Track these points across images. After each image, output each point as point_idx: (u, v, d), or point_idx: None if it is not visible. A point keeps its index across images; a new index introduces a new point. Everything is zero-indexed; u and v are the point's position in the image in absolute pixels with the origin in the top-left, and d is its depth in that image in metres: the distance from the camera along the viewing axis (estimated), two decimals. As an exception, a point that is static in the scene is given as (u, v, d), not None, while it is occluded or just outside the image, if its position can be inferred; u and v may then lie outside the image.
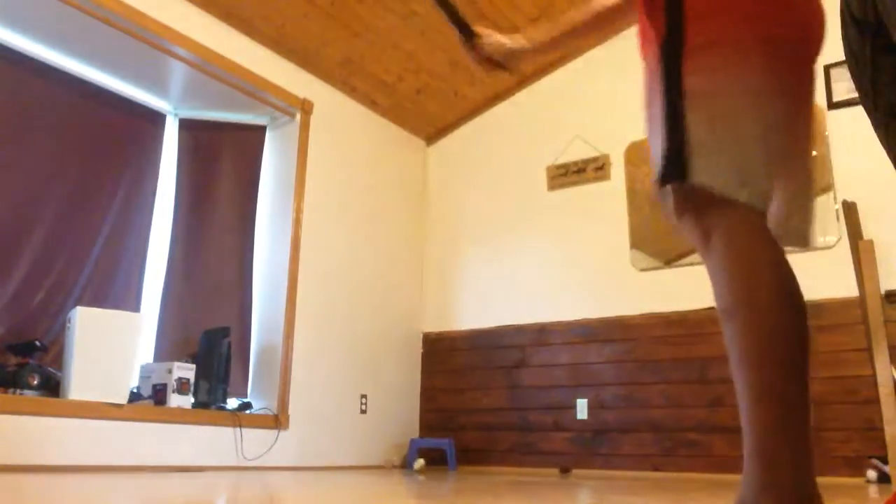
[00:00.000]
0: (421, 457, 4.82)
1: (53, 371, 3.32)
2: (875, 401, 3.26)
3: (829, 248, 3.97)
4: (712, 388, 4.14)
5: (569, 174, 4.96)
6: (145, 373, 3.73)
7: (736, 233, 1.00)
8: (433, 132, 5.61)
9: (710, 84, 1.03)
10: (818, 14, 1.14)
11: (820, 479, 3.23)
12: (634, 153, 4.72)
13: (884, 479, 3.43)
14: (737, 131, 1.02)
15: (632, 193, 4.68)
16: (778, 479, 0.90)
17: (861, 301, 3.17)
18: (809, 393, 0.94)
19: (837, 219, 3.94)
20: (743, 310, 0.96)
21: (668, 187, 1.05)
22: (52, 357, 3.47)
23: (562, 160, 5.01)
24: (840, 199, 3.88)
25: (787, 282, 0.96)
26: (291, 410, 4.17)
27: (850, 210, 3.45)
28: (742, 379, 0.95)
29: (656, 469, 4.21)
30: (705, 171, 1.01)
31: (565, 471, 4.39)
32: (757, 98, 1.03)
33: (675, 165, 1.02)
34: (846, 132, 4.05)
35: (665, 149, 1.03)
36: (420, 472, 4.27)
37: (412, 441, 4.87)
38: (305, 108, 4.57)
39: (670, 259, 4.43)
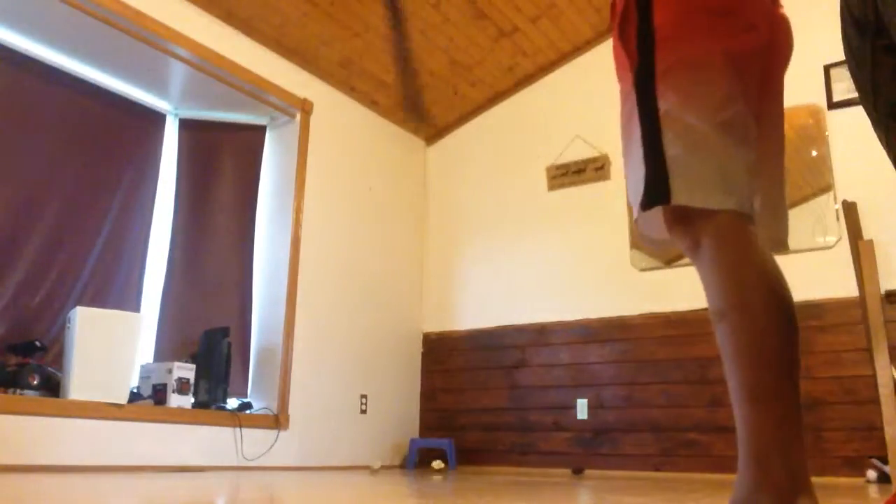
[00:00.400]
0: (421, 457, 4.83)
1: (53, 371, 3.32)
2: (875, 401, 3.26)
3: (829, 248, 3.97)
4: (712, 388, 4.14)
5: (569, 174, 4.96)
6: (145, 373, 3.73)
7: (724, 238, 1.03)
8: (433, 132, 5.61)
9: (681, 103, 1.05)
10: (783, 24, 1.18)
11: (820, 479, 3.22)
12: (634, 153, 4.71)
13: (884, 479, 3.43)
14: (713, 145, 1.05)
15: (632, 193, 4.68)
16: (771, 477, 0.90)
17: (861, 301, 3.17)
18: (800, 392, 0.95)
19: (837, 219, 3.94)
20: (733, 312, 0.99)
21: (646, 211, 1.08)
22: (52, 357, 3.47)
23: (562, 160, 5.01)
24: (840, 199, 3.88)
25: (775, 284, 0.99)
26: (291, 410, 4.17)
27: (850, 210, 3.45)
28: (734, 379, 0.97)
29: (656, 469, 4.21)
30: (687, 190, 1.03)
31: (578, 471, 4.38)
32: (727, 112, 1.06)
33: (658, 188, 1.04)
34: (846, 132, 4.05)
35: (645, 174, 1.06)
36: (439, 471, 4.27)
37: (412, 441, 4.87)
38: (305, 108, 4.57)
39: (670, 259, 4.43)
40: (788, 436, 0.91)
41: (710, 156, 1.04)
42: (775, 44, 1.15)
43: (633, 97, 1.09)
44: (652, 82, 1.07)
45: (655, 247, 1.19)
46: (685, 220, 1.06)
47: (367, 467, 4.27)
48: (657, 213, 1.09)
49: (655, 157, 1.05)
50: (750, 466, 0.92)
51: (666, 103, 1.06)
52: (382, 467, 4.68)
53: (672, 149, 1.04)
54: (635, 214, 1.11)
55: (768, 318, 0.96)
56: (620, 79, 1.16)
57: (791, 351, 0.95)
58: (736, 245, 1.03)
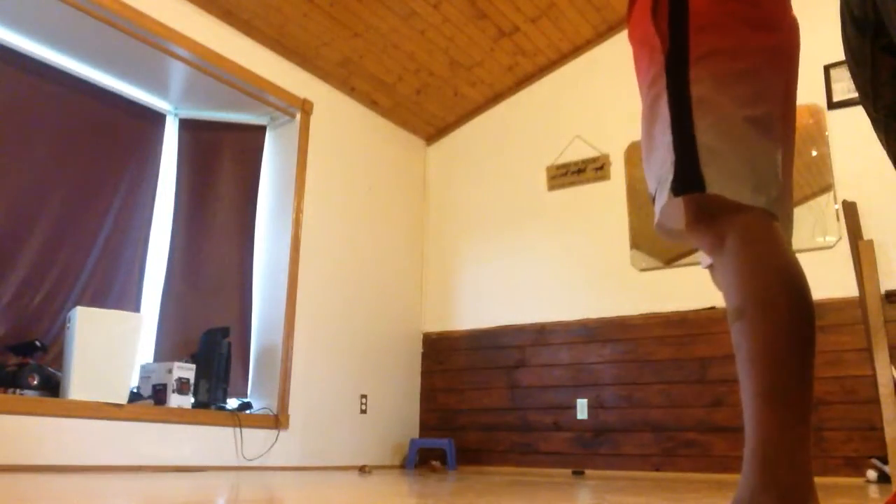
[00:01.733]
0: (421, 457, 4.83)
1: (53, 371, 3.32)
2: (875, 401, 3.26)
3: (829, 248, 3.97)
4: (712, 388, 4.14)
5: (569, 174, 4.96)
6: (145, 373, 3.73)
7: (750, 235, 1.00)
8: (433, 132, 5.61)
9: (716, 93, 1.02)
10: (797, 27, 1.16)
11: (820, 479, 3.22)
12: (634, 153, 4.72)
13: (884, 479, 3.43)
14: (747, 139, 1.02)
15: (632, 193, 4.68)
16: (776, 479, 0.90)
17: (861, 301, 3.17)
18: (813, 395, 0.94)
19: (837, 219, 3.94)
20: (755, 310, 0.96)
21: (673, 199, 1.03)
22: (52, 357, 3.47)
23: (562, 160, 5.01)
24: (840, 199, 3.89)
25: (799, 285, 0.97)
26: (291, 410, 4.17)
27: (850, 210, 3.45)
28: (749, 378, 0.95)
29: (656, 469, 4.21)
30: (720, 181, 1.00)
31: (579, 472, 4.38)
32: (761, 107, 1.04)
33: (690, 175, 1.01)
34: (846, 132, 4.05)
35: (675, 160, 1.02)
36: (436, 471, 4.27)
37: (412, 441, 4.87)
38: (305, 108, 4.57)
39: (670, 259, 4.43)
40: (797, 438, 0.90)
41: (745, 149, 1.01)
42: (795, 45, 1.13)
43: (662, 80, 1.06)
44: (686, 67, 1.04)
45: (672, 238, 1.16)
46: (710, 216, 1.03)
47: (365, 467, 4.27)
48: (678, 204, 1.06)
49: (687, 143, 1.01)
50: (756, 466, 0.91)
51: (700, 90, 1.02)
52: (382, 467, 4.68)
53: (705, 137, 1.01)
54: (661, 200, 1.04)
55: (791, 318, 0.95)
56: (643, 59, 1.12)
57: (808, 353, 0.94)
58: (764, 243, 1.00)
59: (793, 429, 0.91)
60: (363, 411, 4.69)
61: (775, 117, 1.06)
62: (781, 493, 0.88)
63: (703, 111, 1.02)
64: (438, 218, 5.50)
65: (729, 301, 1.01)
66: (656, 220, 1.08)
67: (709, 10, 1.05)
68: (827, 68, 4.14)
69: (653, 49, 1.09)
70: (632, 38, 1.18)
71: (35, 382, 3.18)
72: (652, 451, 4.25)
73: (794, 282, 0.97)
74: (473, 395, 4.96)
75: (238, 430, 3.85)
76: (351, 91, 4.93)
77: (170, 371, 3.63)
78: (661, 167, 1.05)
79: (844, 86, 4.06)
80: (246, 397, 4.19)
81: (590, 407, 4.50)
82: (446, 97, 5.23)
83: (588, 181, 4.88)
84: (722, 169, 1.00)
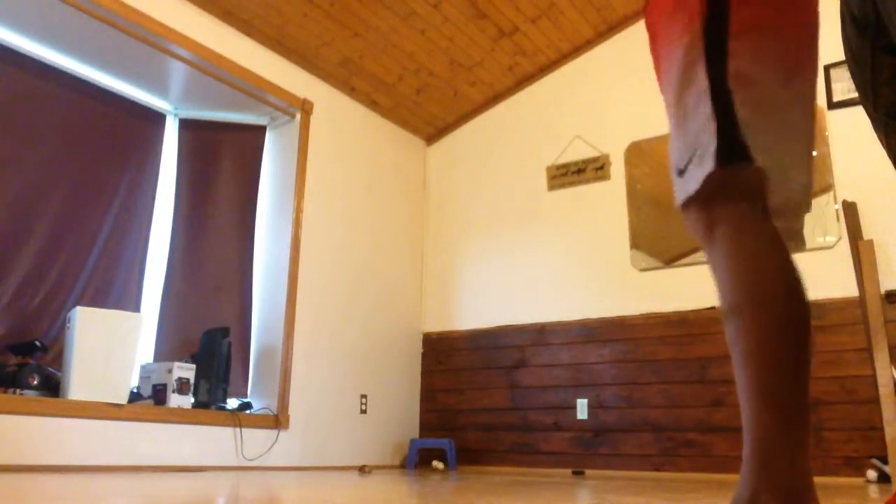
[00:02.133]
0: (421, 457, 4.83)
1: (53, 371, 3.32)
2: (875, 401, 3.27)
3: (829, 248, 3.97)
4: (712, 388, 4.14)
5: (569, 174, 4.96)
6: (145, 373, 3.73)
7: (745, 227, 0.98)
8: (433, 132, 5.61)
9: (754, 68, 1.00)
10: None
11: (820, 479, 3.22)
12: (634, 153, 4.72)
13: (884, 479, 3.43)
14: (784, 119, 1.00)
15: (632, 193, 4.68)
16: (777, 479, 0.90)
17: (861, 301, 3.18)
18: (809, 393, 0.94)
19: (837, 219, 3.94)
20: (750, 307, 0.95)
21: (694, 175, 1.00)
22: (52, 357, 3.47)
23: (562, 160, 5.01)
24: (840, 199, 3.88)
25: (795, 281, 0.95)
26: (291, 410, 4.17)
27: (850, 210, 3.46)
28: (745, 377, 0.94)
29: (656, 469, 4.21)
30: (763, 152, 0.97)
31: (579, 473, 4.38)
32: (797, 85, 1.02)
33: (734, 145, 0.97)
34: (846, 132, 4.05)
35: (717, 127, 0.98)
36: (438, 471, 4.27)
37: (412, 441, 4.87)
38: (305, 108, 4.57)
39: (670, 259, 4.43)
40: (796, 437, 0.90)
41: (783, 131, 1.00)
42: (819, 25, 1.11)
43: (700, 47, 1.02)
44: (725, 37, 1.01)
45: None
46: (708, 199, 1.00)
47: (365, 467, 4.27)
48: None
49: (727, 114, 0.98)
50: (756, 467, 0.91)
51: (739, 63, 1.00)
52: (382, 467, 4.68)
53: (744, 109, 0.98)
54: (703, 170, 0.98)
55: (787, 316, 0.93)
56: (675, 26, 1.07)
57: (805, 351, 0.93)
58: (759, 236, 0.98)
59: (791, 428, 0.90)
60: (363, 411, 4.69)
61: (809, 98, 1.04)
62: (782, 493, 0.88)
63: (741, 84, 0.99)
64: (438, 218, 5.50)
65: (722, 295, 0.99)
66: (689, 194, 1.01)
67: None
68: (827, 68, 4.14)
69: (691, 15, 1.05)
70: (656, 8, 1.14)
71: (35, 382, 3.18)
72: (652, 451, 4.25)
73: (789, 279, 0.95)
74: (473, 395, 4.96)
75: (238, 430, 3.85)
76: (351, 91, 4.93)
77: (170, 371, 3.63)
78: (696, 137, 1.00)
79: (844, 86, 4.06)
80: (246, 397, 4.19)
81: (590, 407, 4.50)
82: (446, 97, 5.23)
83: (588, 181, 4.88)
84: (761, 143, 0.97)
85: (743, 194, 0.99)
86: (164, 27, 3.76)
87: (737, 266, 0.97)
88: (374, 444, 4.73)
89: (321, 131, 4.68)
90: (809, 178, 1.03)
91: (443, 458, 4.79)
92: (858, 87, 1.13)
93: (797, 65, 1.04)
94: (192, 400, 3.73)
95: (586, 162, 4.90)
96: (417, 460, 4.83)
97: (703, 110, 1.00)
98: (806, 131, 1.04)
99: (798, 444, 0.90)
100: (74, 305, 3.45)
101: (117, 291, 3.86)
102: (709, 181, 0.98)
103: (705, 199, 1.00)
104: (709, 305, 4.22)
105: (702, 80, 1.01)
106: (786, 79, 1.02)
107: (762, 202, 0.99)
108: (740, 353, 0.94)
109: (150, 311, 4.07)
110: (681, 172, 1.03)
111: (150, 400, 3.62)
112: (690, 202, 1.01)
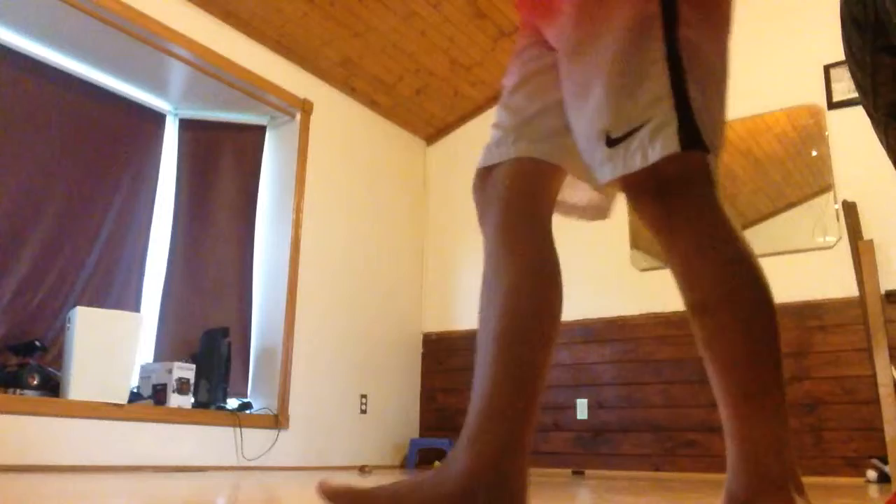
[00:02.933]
0: (421, 457, 4.83)
1: (53, 371, 3.32)
2: (875, 401, 3.27)
3: (829, 248, 3.97)
4: (712, 389, 4.13)
5: (569, 174, 4.95)
6: (145, 373, 3.73)
7: (704, 218, 0.93)
8: (433, 132, 5.61)
9: (700, 37, 0.94)
10: None
11: (820, 479, 3.21)
12: (634, 153, 4.71)
13: (884, 479, 3.43)
14: (717, 88, 0.95)
15: (632, 193, 4.68)
16: (768, 475, 0.88)
17: (861, 301, 3.18)
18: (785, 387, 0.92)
19: (837, 219, 3.94)
20: (719, 305, 0.91)
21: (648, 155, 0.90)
22: (52, 357, 3.47)
23: (562, 160, 5.00)
24: (840, 199, 3.89)
25: (759, 275, 0.91)
26: (291, 410, 4.18)
27: (850, 210, 3.46)
28: (725, 377, 0.91)
29: (656, 469, 4.21)
30: (710, 136, 0.90)
31: (579, 473, 4.38)
32: (722, 52, 0.98)
33: (691, 129, 0.89)
34: (846, 132, 4.05)
35: (675, 103, 0.90)
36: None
37: (412, 441, 4.87)
38: (305, 108, 4.57)
39: (670, 259, 4.43)
40: (780, 431, 0.89)
41: (715, 102, 0.94)
42: None
43: (657, 15, 0.93)
44: (675, 2, 0.94)
45: (575, 214, 1.13)
46: (663, 183, 0.92)
47: (365, 467, 4.27)
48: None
49: (681, 93, 0.90)
50: (748, 465, 0.90)
51: (687, 31, 0.93)
52: (382, 467, 4.68)
53: (695, 90, 0.91)
54: (659, 152, 0.88)
55: (759, 312, 0.90)
56: None
57: (778, 344, 0.91)
58: (718, 228, 0.92)
59: (774, 422, 0.89)
60: (363, 411, 4.69)
61: (728, 56, 0.99)
62: (775, 488, 0.88)
63: (691, 55, 0.92)
64: (438, 218, 5.50)
65: (686, 290, 0.94)
66: (632, 170, 0.91)
67: None
68: (827, 68, 4.14)
69: None
70: None
71: (35, 382, 3.18)
72: (652, 451, 4.25)
73: (753, 273, 0.91)
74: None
75: (238, 430, 3.85)
76: (351, 91, 4.93)
77: (170, 371, 3.63)
78: (646, 109, 0.90)
79: (844, 86, 4.06)
80: (246, 397, 4.19)
81: (590, 407, 4.50)
82: (446, 97, 5.23)
83: (588, 181, 4.87)
84: (706, 129, 0.91)
85: (703, 178, 0.93)
86: (164, 27, 3.76)
87: (699, 260, 0.92)
88: (374, 444, 4.73)
89: (321, 131, 4.68)
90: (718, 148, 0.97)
91: (443, 458, 4.79)
92: (858, 87, 1.13)
93: (729, 37, 0.99)
94: (192, 400, 3.73)
95: (586, 162, 4.89)
96: (417, 460, 4.83)
97: (658, 83, 0.91)
98: (725, 95, 0.98)
99: (783, 439, 0.89)
100: (74, 305, 3.45)
101: (117, 291, 3.86)
102: (669, 163, 0.89)
103: (665, 182, 0.92)
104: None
105: (657, 48, 0.92)
106: (725, 50, 0.98)
107: (715, 185, 0.94)
108: (715, 351, 0.91)
109: (150, 311, 4.07)
110: (613, 142, 0.92)
111: (150, 400, 3.62)
112: (635, 180, 0.92)
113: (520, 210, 1.05)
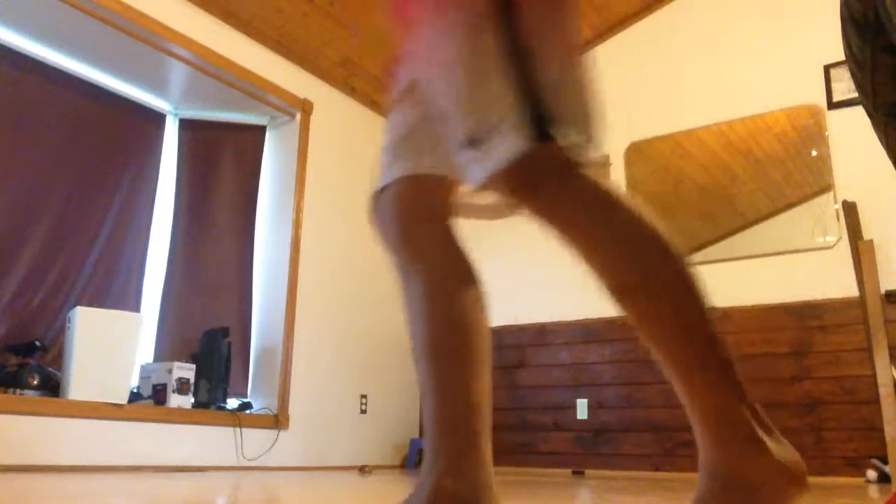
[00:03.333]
0: (421, 457, 4.82)
1: (53, 371, 3.32)
2: (875, 401, 3.27)
3: (829, 248, 3.97)
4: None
5: (569, 174, 4.96)
6: (145, 373, 3.73)
7: (597, 202, 0.91)
8: (433, 132, 5.61)
9: (534, 16, 0.91)
10: None
11: (820, 479, 3.21)
12: (634, 153, 4.72)
13: (884, 479, 3.43)
14: (569, 64, 0.93)
15: (632, 194, 4.68)
16: (749, 437, 0.88)
17: (861, 301, 3.18)
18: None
19: (837, 219, 3.94)
20: (643, 284, 0.89)
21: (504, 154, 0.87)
22: (52, 357, 3.47)
23: (562, 160, 5.00)
24: (840, 199, 3.89)
25: (668, 244, 0.90)
26: (291, 410, 4.17)
27: (850, 210, 3.46)
28: (674, 354, 0.89)
29: (656, 469, 4.21)
30: (567, 131, 0.87)
31: (579, 473, 4.38)
32: (568, 23, 0.95)
33: (540, 117, 0.86)
34: (846, 132, 4.05)
35: (520, 97, 0.86)
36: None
37: (412, 441, 4.87)
38: (305, 108, 4.57)
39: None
40: (742, 394, 0.87)
41: (578, 93, 0.93)
42: None
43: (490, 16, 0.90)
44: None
45: (473, 215, 1.12)
46: (545, 174, 0.88)
47: (365, 467, 4.27)
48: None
49: (526, 84, 0.87)
50: (726, 434, 0.89)
51: (522, 15, 0.89)
52: (382, 467, 4.68)
53: (544, 76, 0.88)
54: (513, 147, 0.85)
55: (683, 284, 0.88)
56: None
57: (705, 313, 0.88)
58: (615, 210, 0.91)
59: (737, 387, 0.88)
60: (363, 411, 4.69)
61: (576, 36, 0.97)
62: (759, 449, 0.87)
63: (531, 40, 0.89)
64: (438, 218, 5.49)
65: (602, 278, 0.92)
66: (497, 168, 0.87)
67: None
68: (827, 68, 4.14)
69: None
70: None
71: (35, 382, 3.18)
72: (651, 450, 4.25)
73: (662, 245, 0.89)
74: (473, 395, 4.95)
75: (238, 430, 3.85)
76: (351, 91, 4.93)
77: (170, 371, 3.63)
78: (494, 105, 0.87)
79: (844, 86, 4.06)
80: (246, 397, 4.19)
81: (590, 407, 4.50)
82: (446, 97, 5.23)
83: (588, 181, 4.87)
84: (561, 113, 0.88)
85: (570, 164, 0.89)
86: (164, 27, 3.76)
87: (607, 243, 0.91)
88: (374, 444, 4.73)
89: (321, 131, 4.68)
90: (589, 133, 0.94)
91: (443, 458, 4.78)
92: (858, 88, 1.13)
93: (578, 18, 0.97)
94: (192, 400, 3.73)
95: (586, 162, 4.90)
96: (417, 460, 4.83)
97: (498, 78, 0.88)
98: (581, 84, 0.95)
99: (746, 401, 0.87)
100: (74, 305, 3.45)
101: (117, 291, 3.86)
102: (530, 157, 0.86)
103: (528, 174, 0.88)
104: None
105: (492, 42, 0.89)
106: (576, 31, 0.96)
107: (594, 166, 0.91)
108: (659, 332, 0.89)
109: (150, 311, 4.07)
110: (475, 143, 0.89)
111: (150, 400, 3.62)
112: (506, 178, 0.88)
113: (412, 224, 1.06)
